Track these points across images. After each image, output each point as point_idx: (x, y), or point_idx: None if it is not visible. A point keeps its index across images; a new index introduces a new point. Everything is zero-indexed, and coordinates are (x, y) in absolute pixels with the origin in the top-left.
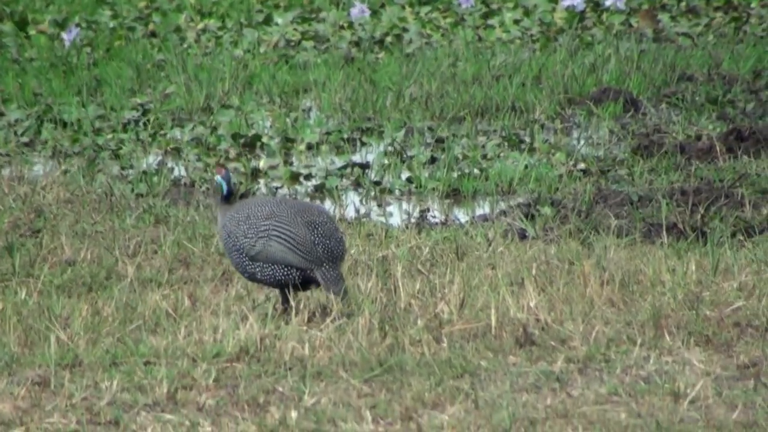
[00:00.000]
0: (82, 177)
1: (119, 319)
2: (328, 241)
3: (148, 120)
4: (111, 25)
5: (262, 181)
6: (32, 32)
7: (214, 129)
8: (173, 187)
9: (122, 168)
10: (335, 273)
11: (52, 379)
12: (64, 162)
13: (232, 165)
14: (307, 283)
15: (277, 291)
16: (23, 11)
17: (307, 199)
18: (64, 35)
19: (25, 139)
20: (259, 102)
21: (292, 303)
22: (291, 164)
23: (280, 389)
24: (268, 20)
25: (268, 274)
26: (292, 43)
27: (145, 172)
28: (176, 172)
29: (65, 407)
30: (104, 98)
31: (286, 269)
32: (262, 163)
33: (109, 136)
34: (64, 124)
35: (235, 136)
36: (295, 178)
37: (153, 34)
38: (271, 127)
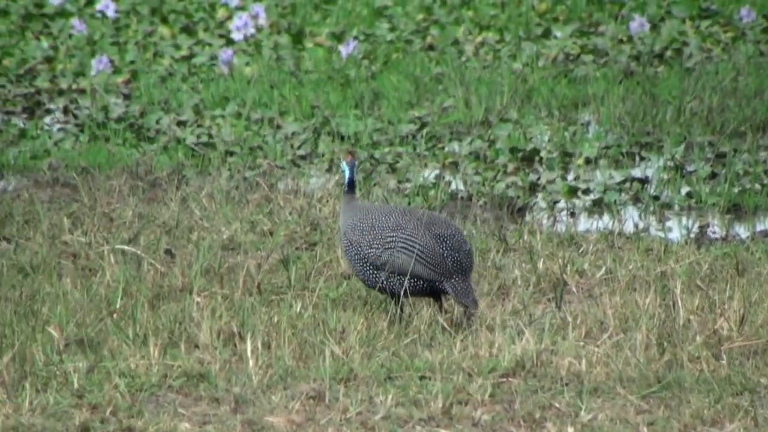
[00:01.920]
0: (358, 190)
1: (394, 333)
2: (456, 254)
3: (426, 133)
4: (388, 37)
5: (540, 195)
6: (309, 45)
7: (492, 143)
8: (450, 200)
9: (399, 181)
10: (465, 285)
11: (327, 392)
12: (340, 175)
13: (509, 179)
14: (434, 293)
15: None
16: (300, 24)
17: (584, 214)
18: (342, 48)
19: (301, 152)
20: (538, 116)
21: (405, 313)
22: (570, 178)
23: (557, 405)
24: (546, 33)
25: (393, 284)
26: (571, 57)
27: (422, 186)
28: (453, 186)
29: (340, 421)
30: (382, 111)
31: (412, 280)
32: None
33: (386, 149)
34: (341, 137)
35: (513, 150)
36: (572, 192)
37: (431, 47)
38: (549, 140)
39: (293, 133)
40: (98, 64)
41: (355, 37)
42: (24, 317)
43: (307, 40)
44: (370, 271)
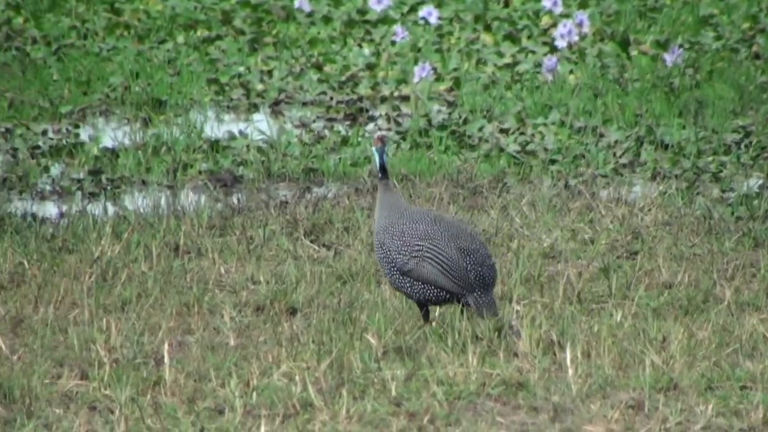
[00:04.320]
0: (680, 199)
1: (715, 343)
2: (480, 268)
3: (751, 142)
4: (714, 46)
5: None
6: (634, 53)
7: None
8: None
9: (722, 191)
10: (488, 298)
11: (647, 402)
12: (663, 184)
13: None
14: (458, 302)
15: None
16: (625, 31)
17: None
18: (666, 56)
19: (624, 161)
20: None
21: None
22: None
23: None
24: None
25: (417, 291)
26: None
27: (746, 195)
28: None
29: (659, 431)
30: (706, 120)
31: (436, 290)
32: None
33: (710, 158)
34: (665, 146)
35: None
36: None
37: (756, 56)
38: None
39: (616, 142)
40: (421, 72)
41: (680, 45)
42: (342, 324)
43: (632, 47)
44: (397, 276)
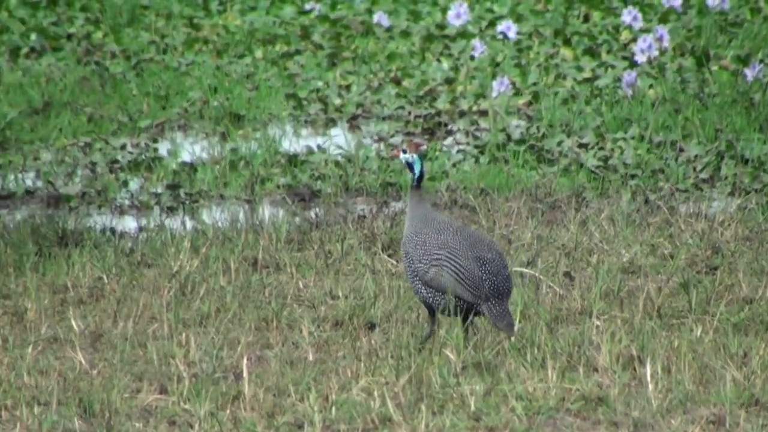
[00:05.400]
0: (761, 214)
1: None
2: (495, 278)
3: None
4: None
5: None
6: (714, 68)
7: None
8: None
9: None
10: (501, 308)
11: (728, 418)
12: (742, 198)
13: None
14: (471, 313)
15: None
16: (705, 46)
17: None
18: (746, 71)
19: (704, 176)
20: None
21: (436, 329)
22: None
23: None
24: None
25: (437, 301)
26: None
27: None
28: None
29: None
30: None
31: (453, 299)
32: None
33: None
34: (745, 161)
35: None
36: None
37: None
38: None
39: (696, 157)
40: (499, 86)
41: (761, 60)
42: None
43: (712, 62)
44: (419, 285)
